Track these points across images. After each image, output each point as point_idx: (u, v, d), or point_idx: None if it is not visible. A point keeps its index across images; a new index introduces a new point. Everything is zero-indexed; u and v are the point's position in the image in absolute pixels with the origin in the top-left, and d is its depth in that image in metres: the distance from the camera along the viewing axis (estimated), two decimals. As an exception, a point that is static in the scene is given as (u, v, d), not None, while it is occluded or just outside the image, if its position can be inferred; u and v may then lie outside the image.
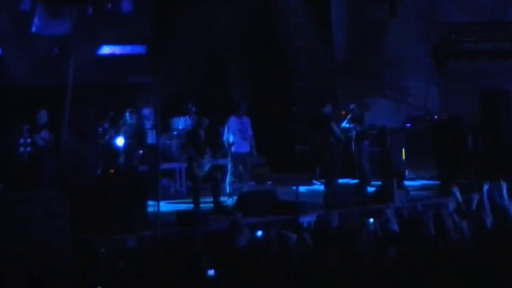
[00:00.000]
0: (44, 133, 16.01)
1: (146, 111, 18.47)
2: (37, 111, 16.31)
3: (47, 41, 18.81)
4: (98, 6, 19.03)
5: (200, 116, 18.06)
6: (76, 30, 17.41)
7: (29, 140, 15.76)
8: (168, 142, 18.19)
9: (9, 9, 18.51)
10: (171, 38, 18.88)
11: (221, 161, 16.47)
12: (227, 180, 16.33)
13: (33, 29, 18.93)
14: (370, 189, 16.95)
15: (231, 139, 16.35)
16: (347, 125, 18.16)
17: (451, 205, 13.19)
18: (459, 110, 20.13)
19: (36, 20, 18.90)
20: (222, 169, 16.43)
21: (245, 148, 16.47)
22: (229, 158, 16.44)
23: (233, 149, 16.28)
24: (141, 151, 17.95)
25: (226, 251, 10.28)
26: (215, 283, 9.07)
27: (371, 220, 12.96)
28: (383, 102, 21.63)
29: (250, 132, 16.47)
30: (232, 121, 16.44)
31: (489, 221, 12.25)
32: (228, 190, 16.22)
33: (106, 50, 19.92)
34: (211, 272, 9.24)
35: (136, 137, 16.86)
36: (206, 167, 15.27)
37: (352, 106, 18.54)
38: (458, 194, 13.47)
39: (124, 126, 16.88)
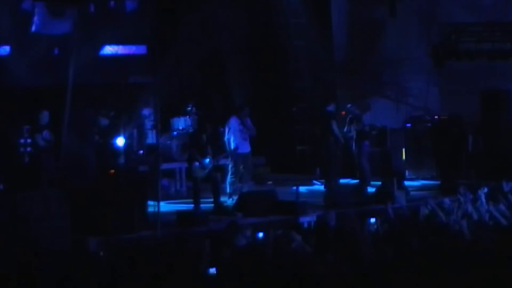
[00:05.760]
0: (46, 133, 16.04)
1: (146, 111, 18.51)
2: (38, 111, 16.34)
3: (47, 40, 18.80)
4: (100, 5, 19.03)
5: (202, 118, 18.13)
6: (77, 30, 17.39)
7: (29, 141, 15.78)
8: (168, 142, 18.19)
9: (10, 8, 18.50)
10: (172, 38, 18.89)
11: (221, 162, 16.48)
12: (228, 180, 16.35)
13: (33, 28, 18.92)
14: (370, 189, 16.94)
15: (232, 139, 16.36)
16: (346, 130, 18.18)
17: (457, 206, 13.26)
18: (459, 110, 20.11)
19: (36, 19, 18.89)
20: (222, 169, 16.44)
21: (246, 148, 16.49)
22: (230, 158, 16.45)
23: (233, 148, 16.29)
24: (141, 151, 18.02)
25: (225, 251, 10.29)
26: (216, 282, 9.08)
27: (372, 219, 12.98)
28: (383, 102, 21.62)
29: (252, 132, 16.48)
30: (233, 121, 16.45)
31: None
32: (228, 190, 16.23)
33: (108, 50, 19.93)
34: (212, 270, 9.26)
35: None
36: (207, 169, 15.29)
37: (348, 106, 18.56)
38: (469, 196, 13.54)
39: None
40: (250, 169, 16.92)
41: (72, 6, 17.87)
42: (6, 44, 18.38)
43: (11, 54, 18.34)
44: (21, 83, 17.74)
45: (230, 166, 16.45)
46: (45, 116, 16.27)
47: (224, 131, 16.63)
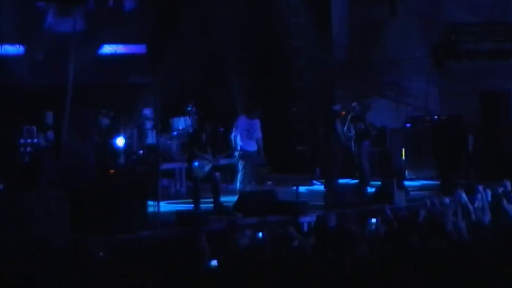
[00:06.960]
0: (50, 134, 16.07)
1: (146, 111, 18.50)
2: (41, 111, 16.35)
3: (55, 39, 18.73)
4: (99, 4, 18.99)
5: (201, 118, 18.12)
6: (76, 30, 17.38)
7: (29, 141, 15.78)
8: (168, 142, 18.19)
9: (23, 7, 18.47)
10: (171, 38, 18.88)
11: (222, 162, 16.47)
12: (238, 177, 16.27)
13: (45, 25, 18.89)
14: (370, 189, 16.94)
15: (238, 137, 16.32)
16: (346, 129, 18.18)
17: (453, 206, 13.21)
18: (459, 110, 20.11)
19: (49, 17, 18.84)
20: (222, 169, 16.41)
21: (251, 147, 16.39)
22: (237, 157, 16.35)
23: (240, 147, 16.25)
24: (141, 151, 18.01)
25: (225, 251, 10.29)
26: (216, 281, 9.08)
27: (373, 220, 12.97)
28: (383, 102, 21.61)
29: (258, 134, 16.40)
30: (241, 120, 16.40)
31: (487, 219, 12.31)
32: (239, 188, 16.14)
33: (107, 49, 19.90)
34: (214, 262, 9.27)
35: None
36: (207, 168, 15.28)
37: (354, 104, 18.55)
38: (464, 196, 13.48)
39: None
40: (255, 169, 16.87)
41: (74, 5, 17.85)
42: (18, 43, 18.32)
43: (22, 54, 18.30)
44: (23, 82, 17.72)
45: (239, 164, 16.36)
46: (49, 117, 16.31)
47: (231, 129, 16.53)
